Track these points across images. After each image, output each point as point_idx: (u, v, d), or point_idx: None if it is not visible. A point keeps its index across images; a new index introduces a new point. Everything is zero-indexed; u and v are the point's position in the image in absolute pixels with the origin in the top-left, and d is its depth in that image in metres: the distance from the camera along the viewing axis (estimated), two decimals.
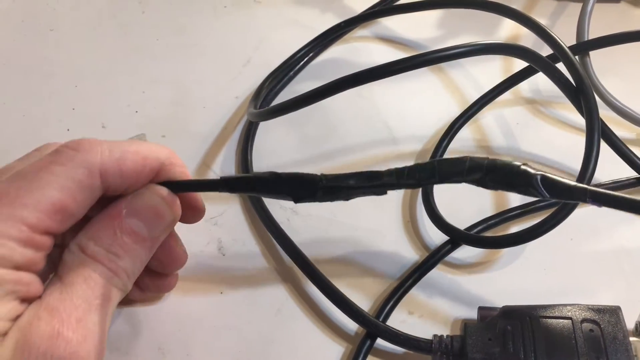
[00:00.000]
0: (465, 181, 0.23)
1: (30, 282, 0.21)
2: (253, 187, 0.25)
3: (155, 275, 0.27)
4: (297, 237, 0.31)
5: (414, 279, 0.29)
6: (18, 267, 0.20)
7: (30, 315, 0.20)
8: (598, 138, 0.28)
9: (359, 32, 0.43)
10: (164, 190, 0.24)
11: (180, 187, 0.25)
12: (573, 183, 0.21)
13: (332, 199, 0.24)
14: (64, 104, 0.39)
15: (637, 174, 0.32)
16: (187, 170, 0.26)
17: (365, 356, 0.27)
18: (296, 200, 0.24)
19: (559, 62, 0.33)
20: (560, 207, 0.28)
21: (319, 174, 0.24)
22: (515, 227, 0.32)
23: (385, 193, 0.24)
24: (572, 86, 0.30)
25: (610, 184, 0.32)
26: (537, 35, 0.32)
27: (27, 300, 0.21)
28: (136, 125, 0.38)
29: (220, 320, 0.29)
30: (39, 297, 0.21)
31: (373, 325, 0.27)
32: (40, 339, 0.20)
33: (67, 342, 0.20)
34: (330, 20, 0.42)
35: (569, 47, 0.31)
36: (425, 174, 0.23)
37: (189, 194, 0.26)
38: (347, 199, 0.24)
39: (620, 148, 0.32)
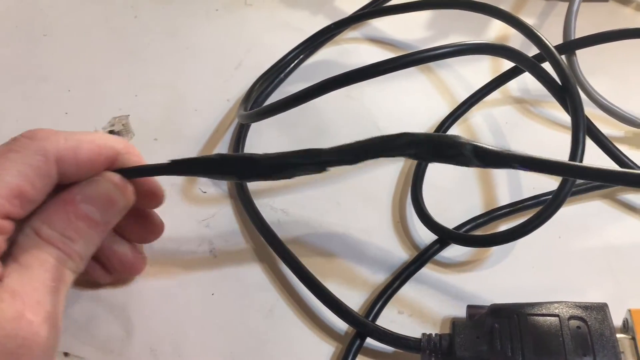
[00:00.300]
0: (403, 155, 0.24)
1: None
2: (201, 169, 0.26)
3: (123, 257, 0.28)
4: (288, 237, 0.31)
5: (402, 278, 0.29)
6: None
7: None
8: (583, 135, 0.28)
9: (350, 33, 0.43)
10: (116, 177, 0.25)
11: (132, 173, 0.26)
12: (501, 149, 0.23)
13: (277, 178, 0.25)
14: (57, 108, 0.39)
15: (617, 166, 0.32)
16: (143, 159, 0.27)
17: (354, 355, 0.27)
18: (241, 179, 0.26)
19: (545, 61, 0.33)
20: (547, 204, 0.28)
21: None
22: (504, 225, 0.32)
23: (326, 170, 0.25)
24: (557, 85, 0.30)
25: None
26: (523, 34, 0.33)
27: None
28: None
29: (212, 321, 0.29)
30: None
31: (362, 325, 0.27)
32: (5, 321, 0.20)
33: (29, 324, 0.21)
34: (321, 22, 0.42)
35: (556, 47, 0.31)
36: (363, 150, 0.24)
37: (146, 180, 0.27)
38: (291, 177, 0.25)
39: (606, 145, 0.32)
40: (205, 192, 0.34)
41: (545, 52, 0.31)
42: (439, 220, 0.31)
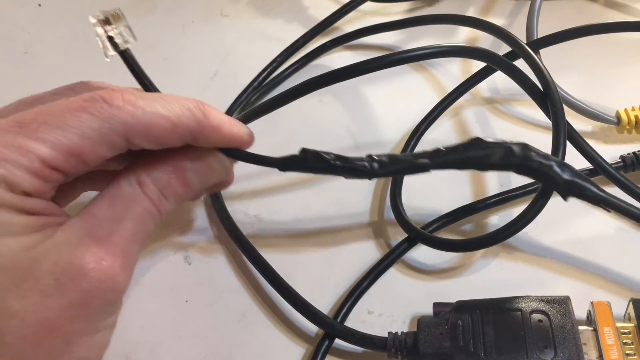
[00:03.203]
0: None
1: (44, 207, 0.22)
2: (330, 168, 0.25)
3: None
4: (261, 242, 0.32)
5: (370, 278, 0.30)
6: (27, 194, 0.21)
7: (70, 238, 0.21)
8: (564, 140, 0.29)
9: (322, 39, 0.43)
10: (227, 161, 0.26)
11: (240, 157, 0.26)
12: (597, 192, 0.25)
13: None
14: None
15: (592, 165, 0.33)
16: (220, 135, 0.25)
17: (323, 356, 0.27)
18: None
19: (516, 59, 0.34)
20: (518, 217, 0.28)
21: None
22: (477, 224, 0.33)
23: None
24: (539, 90, 0.31)
25: None
26: (507, 43, 0.33)
27: (48, 224, 0.22)
28: None
29: (186, 327, 0.30)
30: (64, 222, 0.22)
31: (330, 326, 0.28)
32: (84, 262, 0.21)
33: (109, 268, 0.21)
34: (295, 30, 0.43)
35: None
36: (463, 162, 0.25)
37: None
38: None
39: (582, 146, 0.32)
40: None
41: (528, 60, 0.32)
42: (420, 217, 0.31)
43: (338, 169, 0.25)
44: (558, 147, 0.29)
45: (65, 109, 0.22)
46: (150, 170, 0.24)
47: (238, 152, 0.26)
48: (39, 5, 0.49)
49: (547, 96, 0.31)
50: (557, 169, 0.24)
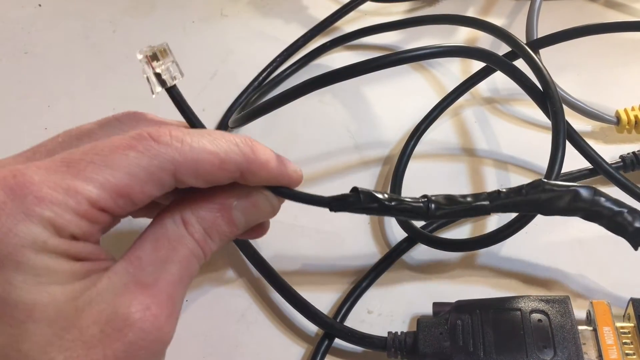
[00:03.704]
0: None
1: (91, 251, 0.21)
2: (383, 209, 0.24)
3: None
4: (261, 242, 0.32)
5: (370, 278, 0.30)
6: (75, 237, 0.20)
7: (115, 285, 0.20)
8: (563, 140, 0.29)
9: (323, 39, 0.43)
10: (275, 200, 0.25)
11: (288, 195, 0.25)
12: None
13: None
14: (36, 124, 0.40)
15: (591, 165, 0.33)
16: (268, 171, 0.24)
17: (323, 356, 0.27)
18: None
19: (516, 59, 0.34)
20: (515, 218, 0.28)
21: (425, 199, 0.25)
22: (476, 224, 0.33)
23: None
24: (539, 91, 0.31)
25: (563, 176, 0.33)
26: (507, 43, 0.34)
27: (94, 270, 0.21)
28: None
29: (186, 327, 0.30)
30: (111, 267, 0.21)
31: (329, 326, 0.28)
32: (130, 311, 0.20)
33: (155, 317, 0.20)
34: (295, 30, 0.43)
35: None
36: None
37: None
38: None
39: (582, 146, 0.32)
40: None
41: (528, 61, 0.32)
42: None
43: (392, 210, 0.24)
44: (557, 147, 0.29)
45: (113, 147, 0.21)
46: (195, 208, 0.23)
47: (286, 191, 0.25)
48: (39, 5, 0.49)
49: (546, 96, 0.31)
50: (628, 216, 0.24)
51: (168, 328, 0.21)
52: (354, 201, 0.24)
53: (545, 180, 0.24)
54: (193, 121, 0.26)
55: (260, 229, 0.28)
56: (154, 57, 0.24)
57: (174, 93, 0.25)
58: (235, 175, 0.23)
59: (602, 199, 0.24)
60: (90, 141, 0.23)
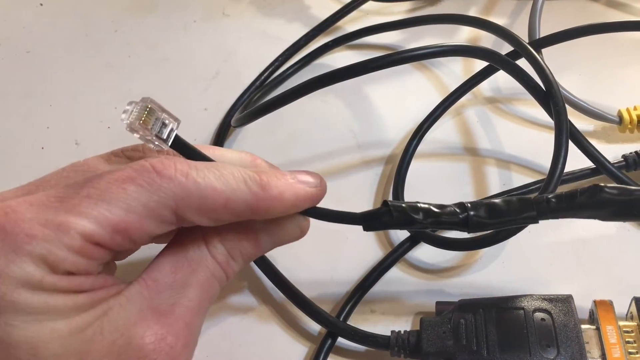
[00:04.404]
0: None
1: (93, 282, 0.20)
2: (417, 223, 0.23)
3: None
4: None
5: (373, 277, 0.30)
6: (71, 273, 0.19)
7: (129, 312, 0.19)
8: (566, 140, 0.29)
9: (325, 39, 0.43)
10: (304, 222, 0.24)
11: (316, 214, 0.24)
12: None
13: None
14: (39, 123, 0.40)
15: (594, 164, 0.33)
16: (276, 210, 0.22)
17: (326, 355, 0.27)
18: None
19: (518, 58, 0.34)
20: None
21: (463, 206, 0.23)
22: None
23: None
24: (541, 90, 0.31)
25: (566, 175, 0.33)
26: (509, 43, 0.34)
27: (102, 298, 0.20)
28: (109, 142, 0.38)
29: None
30: (121, 291, 0.20)
31: (332, 325, 0.28)
32: (144, 342, 0.19)
33: (170, 348, 0.19)
34: (297, 30, 0.43)
35: None
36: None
37: None
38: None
39: (584, 145, 0.32)
40: None
41: (531, 60, 0.32)
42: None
43: (429, 227, 0.23)
44: (560, 147, 0.29)
45: (111, 180, 0.19)
46: (219, 228, 0.21)
47: (313, 210, 0.24)
48: (41, 4, 0.48)
49: (549, 95, 0.31)
50: None
51: (184, 358, 0.20)
52: (387, 221, 0.23)
53: (602, 185, 0.23)
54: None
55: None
56: (145, 122, 0.21)
57: (178, 144, 0.22)
58: (245, 215, 0.21)
59: None
60: None
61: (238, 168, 0.21)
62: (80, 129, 0.39)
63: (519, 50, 0.33)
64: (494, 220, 0.23)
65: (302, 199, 0.22)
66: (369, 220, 0.24)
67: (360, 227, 0.24)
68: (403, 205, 0.23)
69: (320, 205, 0.24)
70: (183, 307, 0.20)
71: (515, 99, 0.38)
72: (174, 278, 0.20)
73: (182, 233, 0.22)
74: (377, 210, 0.24)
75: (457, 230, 0.24)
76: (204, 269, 0.21)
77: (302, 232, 0.24)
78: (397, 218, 0.23)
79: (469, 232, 0.23)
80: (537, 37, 0.36)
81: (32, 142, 0.39)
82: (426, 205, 0.23)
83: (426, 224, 0.23)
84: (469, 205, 0.23)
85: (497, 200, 0.23)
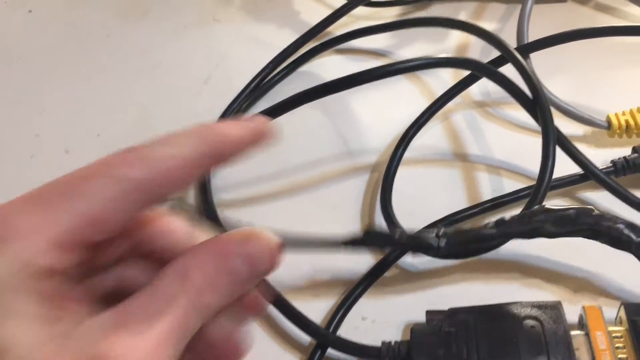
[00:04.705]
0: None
1: (68, 289, 0.20)
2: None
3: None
4: None
5: (364, 285, 0.30)
6: (45, 273, 0.19)
7: (98, 329, 0.19)
8: (554, 148, 0.30)
9: (315, 44, 0.43)
10: (274, 243, 0.23)
11: (293, 243, 0.24)
12: None
13: None
14: (28, 131, 0.40)
15: (582, 170, 0.33)
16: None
17: None
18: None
19: (505, 63, 0.34)
20: None
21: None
22: None
23: None
24: (528, 98, 0.31)
25: (555, 181, 0.33)
26: (496, 48, 0.34)
27: (74, 311, 0.20)
28: (99, 149, 0.38)
29: None
30: (92, 311, 0.20)
31: (322, 336, 0.28)
32: (109, 356, 0.18)
33: None
34: (287, 35, 0.43)
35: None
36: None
37: None
38: None
39: (572, 152, 0.33)
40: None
41: (518, 68, 0.32)
42: (412, 225, 0.31)
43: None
44: (547, 157, 0.29)
45: (78, 176, 0.20)
46: (189, 258, 0.21)
47: (288, 240, 0.24)
48: (30, 11, 0.48)
49: (536, 103, 0.31)
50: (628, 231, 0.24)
51: None
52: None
53: (547, 207, 0.24)
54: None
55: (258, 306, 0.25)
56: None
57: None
58: (207, 163, 0.22)
59: (603, 217, 0.24)
60: None
61: (188, 129, 0.22)
62: (69, 137, 0.39)
63: (506, 56, 0.33)
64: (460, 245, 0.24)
65: (249, 132, 0.23)
66: (350, 242, 0.25)
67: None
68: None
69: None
70: (153, 331, 0.20)
71: (504, 102, 0.38)
72: (147, 306, 0.20)
73: (162, 268, 0.21)
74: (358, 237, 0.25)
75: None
76: (179, 300, 0.20)
77: (274, 260, 0.24)
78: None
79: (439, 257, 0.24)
80: (525, 42, 0.36)
81: (22, 150, 0.39)
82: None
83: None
84: (442, 232, 0.24)
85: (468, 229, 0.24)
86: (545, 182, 0.29)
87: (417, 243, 0.24)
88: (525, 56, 0.35)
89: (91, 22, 0.47)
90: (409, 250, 0.25)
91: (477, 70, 0.32)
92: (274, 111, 0.32)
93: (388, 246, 0.25)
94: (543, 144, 0.30)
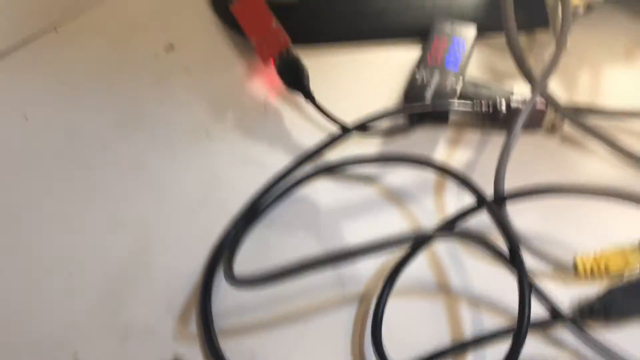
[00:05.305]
0: None
1: None
2: None
3: None
4: None
5: None
6: None
7: None
8: (529, 306, 0.34)
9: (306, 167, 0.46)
10: None
11: None
12: None
13: None
14: (26, 252, 0.41)
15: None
16: None
17: None
18: None
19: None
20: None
21: None
22: None
23: None
24: (506, 257, 0.36)
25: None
26: (474, 196, 0.38)
27: None
28: (103, 272, 0.40)
29: None
30: None
31: None
32: None
33: None
34: (280, 156, 0.46)
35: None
36: None
37: None
38: None
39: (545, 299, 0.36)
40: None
41: (494, 217, 0.36)
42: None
43: None
44: (523, 313, 0.33)
45: None
46: None
47: None
48: (26, 119, 0.49)
49: (512, 259, 0.35)
50: None
51: None
52: None
53: None
54: None
55: None
56: None
57: None
58: None
59: None
60: None
61: None
62: (72, 259, 0.41)
63: (485, 207, 0.37)
64: None
65: None
66: None
67: None
68: None
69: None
70: None
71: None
72: None
73: None
74: None
75: None
76: None
77: None
78: None
79: None
80: (501, 193, 0.39)
81: (19, 273, 0.40)
82: None
83: None
84: None
85: None
86: (523, 329, 0.33)
87: None
88: (501, 206, 0.39)
89: (87, 130, 0.48)
90: None
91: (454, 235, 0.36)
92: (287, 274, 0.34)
93: None
94: (519, 295, 0.34)
